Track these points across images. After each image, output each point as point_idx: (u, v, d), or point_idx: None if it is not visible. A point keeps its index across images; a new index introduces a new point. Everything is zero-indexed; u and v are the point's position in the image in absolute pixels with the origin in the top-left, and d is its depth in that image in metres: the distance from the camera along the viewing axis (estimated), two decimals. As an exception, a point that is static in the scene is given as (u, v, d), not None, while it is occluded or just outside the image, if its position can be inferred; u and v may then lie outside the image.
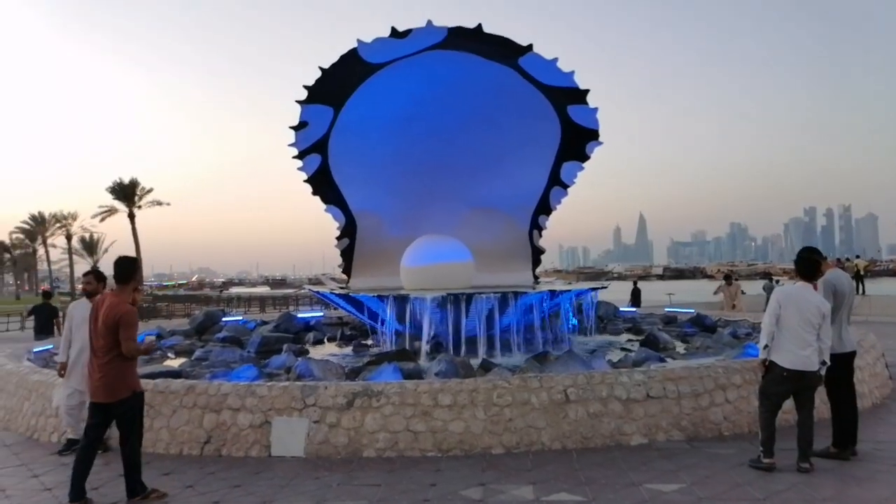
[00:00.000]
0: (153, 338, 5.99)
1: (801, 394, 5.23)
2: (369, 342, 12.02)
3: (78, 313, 6.37)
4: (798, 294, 5.24)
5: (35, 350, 9.91)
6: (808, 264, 5.41)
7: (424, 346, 9.82)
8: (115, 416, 4.83)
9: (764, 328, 5.32)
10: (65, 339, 6.40)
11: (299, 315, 14.86)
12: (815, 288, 5.58)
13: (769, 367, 5.26)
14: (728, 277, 17.87)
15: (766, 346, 5.26)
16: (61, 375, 6.37)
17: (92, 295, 6.38)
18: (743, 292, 17.73)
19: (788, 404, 5.49)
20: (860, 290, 23.30)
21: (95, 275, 6.52)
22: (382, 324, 10.76)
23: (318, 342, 12.48)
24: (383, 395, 5.92)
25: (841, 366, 5.62)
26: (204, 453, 5.95)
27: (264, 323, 14.25)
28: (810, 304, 5.17)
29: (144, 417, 6.21)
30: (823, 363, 5.20)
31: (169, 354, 11.29)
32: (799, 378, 5.13)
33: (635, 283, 21.45)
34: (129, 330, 4.74)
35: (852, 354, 5.74)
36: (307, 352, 11.05)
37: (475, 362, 8.58)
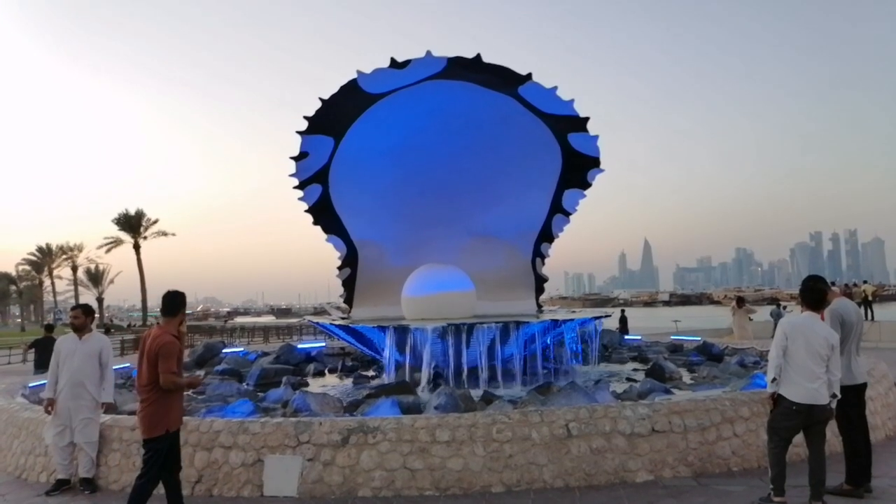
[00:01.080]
0: (200, 374, 5.84)
1: (812, 428, 5.03)
2: (370, 373, 11.84)
3: (65, 348, 6.26)
4: (805, 325, 5.08)
5: (31, 385, 9.76)
6: (814, 294, 5.25)
7: (425, 378, 9.64)
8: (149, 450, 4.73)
9: (771, 361, 5.14)
10: (52, 375, 6.26)
11: (300, 346, 14.70)
12: (822, 317, 5.43)
13: (777, 401, 5.08)
14: (741, 300, 17.65)
15: (773, 380, 5.08)
16: (48, 412, 6.22)
17: (79, 329, 6.30)
18: (750, 318, 17.46)
19: (799, 438, 5.29)
20: (869, 317, 22.98)
21: (83, 309, 6.43)
22: (383, 355, 10.60)
23: (319, 373, 12.30)
24: (379, 431, 5.75)
25: (852, 398, 5.44)
26: (195, 493, 5.76)
27: (265, 354, 14.09)
28: (818, 335, 5.00)
29: (135, 456, 6.09)
30: (834, 396, 5.01)
31: (167, 388, 11.13)
32: (809, 412, 4.94)
33: (622, 311, 22.81)
34: (167, 361, 4.59)
35: (863, 386, 5.56)
36: (307, 384, 10.88)
37: (476, 394, 8.40)
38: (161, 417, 4.64)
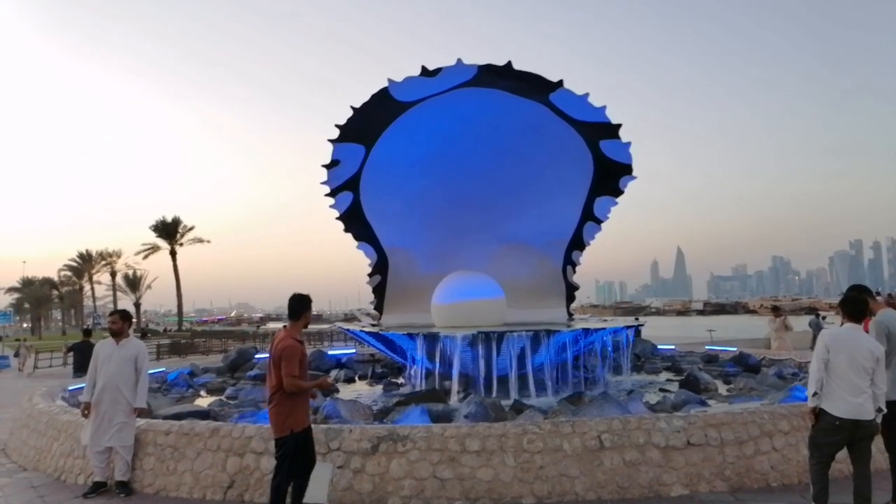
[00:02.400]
0: (330, 378, 5.89)
1: (856, 445, 4.83)
2: (400, 381, 11.85)
3: (103, 353, 6.39)
4: (848, 337, 4.89)
5: (70, 388, 10.01)
6: (856, 305, 5.06)
7: (455, 386, 9.60)
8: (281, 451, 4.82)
9: (812, 374, 4.96)
10: (90, 379, 6.40)
11: (330, 352, 14.80)
12: (866, 328, 5.24)
13: (819, 416, 4.90)
14: (776, 309, 17.20)
15: (815, 394, 4.90)
16: (85, 416, 6.35)
17: (117, 334, 6.42)
18: (788, 327, 16.97)
19: (842, 454, 5.10)
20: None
21: (121, 314, 6.56)
22: (413, 362, 10.59)
23: (349, 380, 12.36)
24: (409, 439, 5.72)
25: (899, 414, 5.22)
26: (227, 498, 5.81)
27: (296, 360, 14.20)
28: (862, 347, 4.82)
29: (169, 460, 6.18)
30: (879, 410, 4.82)
31: (201, 392, 11.31)
32: (853, 428, 4.75)
33: (636, 319, 23.31)
34: (289, 364, 4.65)
35: (911, 401, 5.33)
36: (337, 390, 10.92)
37: (506, 403, 8.33)
38: (285, 418, 4.75)
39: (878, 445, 5.86)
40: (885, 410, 4.86)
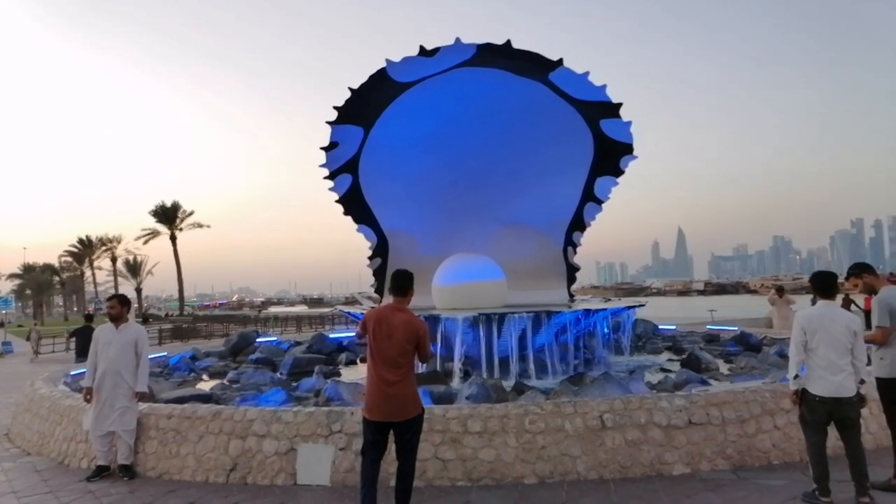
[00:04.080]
0: None
1: (842, 422, 4.82)
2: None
3: (103, 338, 6.38)
4: (823, 315, 4.86)
5: (72, 373, 10.03)
6: (825, 280, 5.03)
7: (456, 368, 9.61)
8: (403, 432, 4.51)
9: (791, 358, 4.95)
10: (90, 364, 6.39)
11: (331, 335, 14.81)
12: (868, 306, 5.23)
13: (803, 395, 4.90)
14: (780, 290, 17.17)
15: (796, 377, 4.90)
16: (87, 401, 6.35)
17: (116, 319, 6.40)
18: (792, 309, 16.95)
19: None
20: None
21: (119, 299, 6.54)
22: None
23: (351, 363, 12.37)
24: (411, 421, 5.71)
25: (901, 391, 5.21)
26: (230, 481, 5.82)
27: (298, 343, 14.24)
28: (837, 324, 4.79)
29: (172, 444, 6.20)
30: (862, 382, 4.81)
31: (203, 377, 11.33)
32: (835, 404, 4.75)
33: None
34: (427, 342, 4.65)
35: (914, 378, 5.31)
36: (339, 373, 10.95)
37: (508, 384, 8.33)
38: (416, 396, 4.63)
39: (880, 422, 5.88)
40: (866, 381, 4.85)
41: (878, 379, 5.30)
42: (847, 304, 15.77)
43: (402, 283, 4.77)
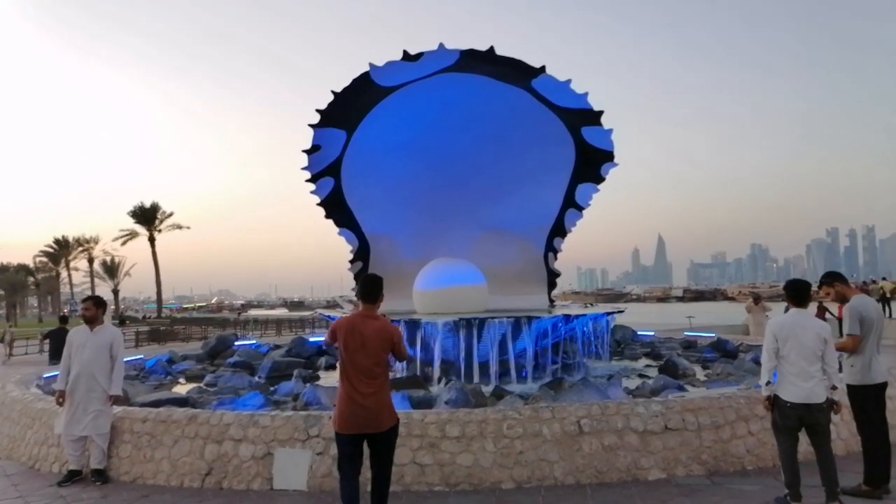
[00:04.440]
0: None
1: (813, 427, 4.92)
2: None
3: (77, 340, 6.30)
4: (795, 323, 4.97)
5: (45, 376, 9.85)
6: (797, 289, 5.15)
7: (436, 373, 9.61)
8: (379, 444, 4.36)
9: (763, 364, 5.06)
10: (63, 367, 6.30)
11: (312, 339, 14.72)
12: (826, 312, 5.37)
13: (775, 401, 4.99)
14: (757, 298, 17.43)
15: (768, 383, 5.00)
16: (59, 404, 6.26)
17: (91, 321, 6.31)
18: (767, 316, 17.21)
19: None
20: (888, 314, 22.63)
21: (94, 301, 6.46)
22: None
23: (331, 367, 12.30)
24: (389, 425, 5.70)
25: (871, 398, 5.33)
26: (205, 486, 5.77)
27: (277, 347, 14.13)
28: (808, 331, 4.90)
29: (146, 448, 6.12)
30: (834, 388, 4.91)
31: (180, 380, 11.20)
32: (806, 410, 4.84)
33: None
34: (403, 345, 4.59)
35: (884, 385, 5.42)
36: (318, 377, 10.89)
37: (487, 389, 8.35)
38: (392, 405, 4.51)
39: (850, 429, 5.98)
40: (838, 387, 4.95)
41: (848, 386, 5.41)
42: (822, 312, 16.01)
43: (372, 289, 4.56)
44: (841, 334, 6.05)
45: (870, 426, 5.36)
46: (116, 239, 71.98)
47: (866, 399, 5.31)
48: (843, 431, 6.29)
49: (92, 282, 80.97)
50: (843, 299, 5.60)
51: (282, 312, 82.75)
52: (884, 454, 5.28)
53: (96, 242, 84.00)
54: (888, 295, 24.78)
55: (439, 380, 9.44)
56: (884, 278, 29.67)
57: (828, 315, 16.14)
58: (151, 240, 68.59)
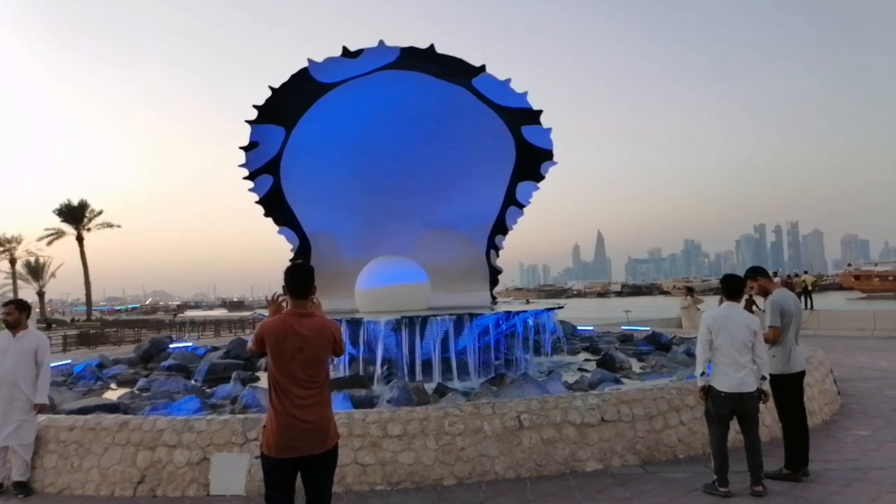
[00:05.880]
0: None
1: (743, 416, 5.19)
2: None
3: (-2, 346, 5.96)
4: (727, 316, 5.24)
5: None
6: (731, 283, 5.44)
7: (378, 372, 9.57)
8: (318, 466, 3.57)
9: (698, 356, 5.31)
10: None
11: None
12: (754, 305, 5.66)
13: (708, 392, 5.24)
14: (691, 290, 18.14)
15: (702, 374, 5.24)
16: (-22, 415, 5.92)
17: (13, 326, 5.99)
18: (699, 308, 17.96)
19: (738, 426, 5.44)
20: (808, 306, 23.92)
21: (17, 304, 6.13)
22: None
23: (271, 368, 12.07)
24: (330, 426, 5.65)
25: (791, 386, 5.63)
26: (137, 494, 5.57)
27: (215, 349, 13.75)
28: (739, 324, 5.17)
29: (74, 457, 5.86)
30: (763, 378, 5.18)
31: (111, 385, 10.76)
32: (738, 399, 5.10)
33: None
34: (342, 338, 3.81)
35: (802, 374, 5.74)
36: (258, 379, 10.65)
37: (430, 387, 8.37)
38: (333, 421, 3.82)
39: (773, 416, 6.30)
40: (768, 378, 5.22)
41: (770, 375, 5.69)
42: (749, 305, 16.82)
43: (302, 281, 3.72)
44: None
45: (790, 413, 5.66)
46: (41, 238, 68.27)
47: (787, 387, 5.61)
48: (767, 418, 6.61)
49: (14, 284, 76.52)
50: (765, 293, 5.90)
51: (221, 313, 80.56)
52: (803, 439, 5.60)
53: (19, 242, 79.43)
54: (810, 287, 26.20)
55: (382, 378, 9.40)
56: (806, 272, 31.33)
57: (755, 308, 17.03)
58: (80, 239, 65.47)
